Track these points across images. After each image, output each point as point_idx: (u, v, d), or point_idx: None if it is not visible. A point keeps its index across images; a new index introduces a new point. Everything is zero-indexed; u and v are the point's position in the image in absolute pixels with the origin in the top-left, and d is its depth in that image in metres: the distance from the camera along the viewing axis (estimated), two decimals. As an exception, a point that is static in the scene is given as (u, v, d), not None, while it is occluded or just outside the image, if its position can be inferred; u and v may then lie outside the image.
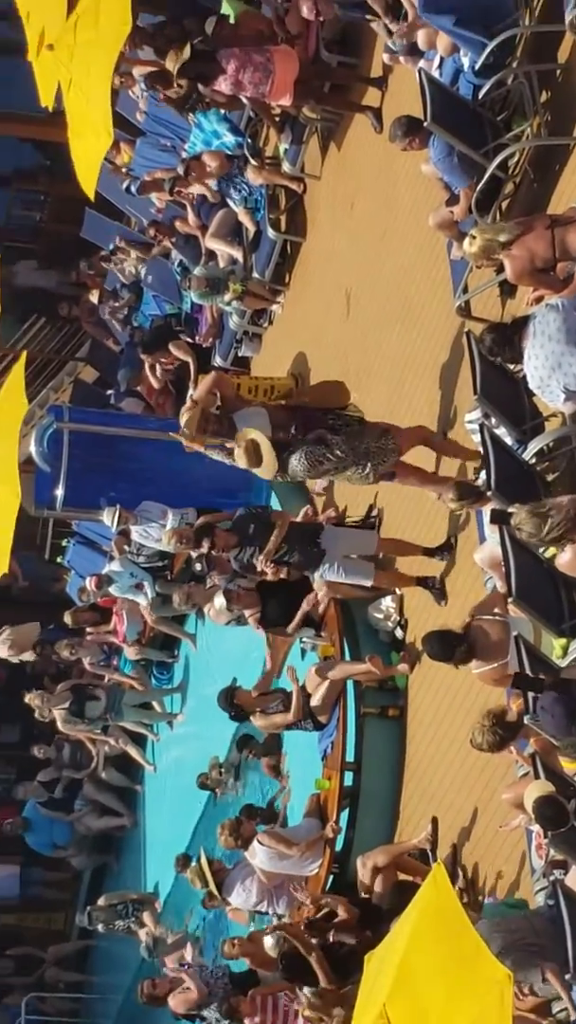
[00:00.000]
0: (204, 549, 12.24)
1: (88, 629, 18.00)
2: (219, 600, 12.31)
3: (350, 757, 11.96)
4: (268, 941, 11.21)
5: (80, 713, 17.40)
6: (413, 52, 12.31)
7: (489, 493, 9.51)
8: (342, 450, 10.97)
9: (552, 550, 8.29)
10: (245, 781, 15.04)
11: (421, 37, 11.88)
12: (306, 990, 10.43)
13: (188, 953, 13.96)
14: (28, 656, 18.79)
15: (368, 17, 12.99)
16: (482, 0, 10.68)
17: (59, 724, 17.80)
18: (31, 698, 17.57)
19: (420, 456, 11.52)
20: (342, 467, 11.06)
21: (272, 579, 12.01)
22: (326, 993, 10.32)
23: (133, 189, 17.42)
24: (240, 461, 11.17)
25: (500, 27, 10.64)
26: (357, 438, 11.05)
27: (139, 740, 18.12)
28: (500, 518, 8.61)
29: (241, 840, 12.21)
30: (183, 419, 11.59)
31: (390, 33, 12.58)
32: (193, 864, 12.82)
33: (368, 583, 11.65)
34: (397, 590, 12.16)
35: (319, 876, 11.90)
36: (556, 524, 7.84)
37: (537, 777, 8.18)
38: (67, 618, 17.67)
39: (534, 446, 9.59)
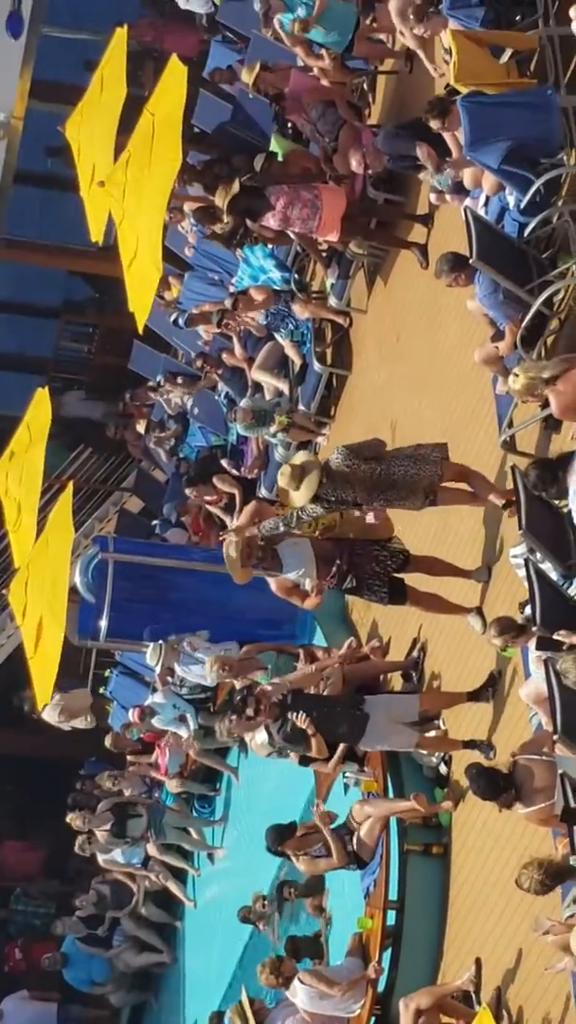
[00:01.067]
0: (249, 712, 12.01)
1: (130, 758, 17.90)
2: (261, 736, 12.21)
3: (393, 896, 11.77)
4: None
5: (122, 833, 17.19)
6: (459, 190, 12.45)
7: (535, 628, 9.45)
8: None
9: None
10: (289, 914, 14.78)
11: (467, 176, 12.02)
12: None
13: None
14: (80, 723, 18.50)
15: (417, 165, 13.13)
16: (527, 140, 10.81)
17: (100, 859, 17.61)
18: (72, 817, 17.37)
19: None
20: None
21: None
22: None
23: (181, 322, 17.59)
24: (282, 479, 11.17)
25: (545, 166, 10.77)
26: None
27: (179, 875, 17.91)
28: (547, 646, 8.56)
29: (282, 979, 12.01)
30: (227, 548, 11.59)
31: (438, 173, 12.72)
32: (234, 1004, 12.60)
33: (412, 749, 11.56)
34: (441, 724, 12.05)
35: (361, 1017, 11.68)
36: None
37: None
38: (108, 740, 17.60)
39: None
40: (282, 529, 11.68)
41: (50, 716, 18.41)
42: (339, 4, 14.35)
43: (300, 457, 11.42)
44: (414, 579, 11.76)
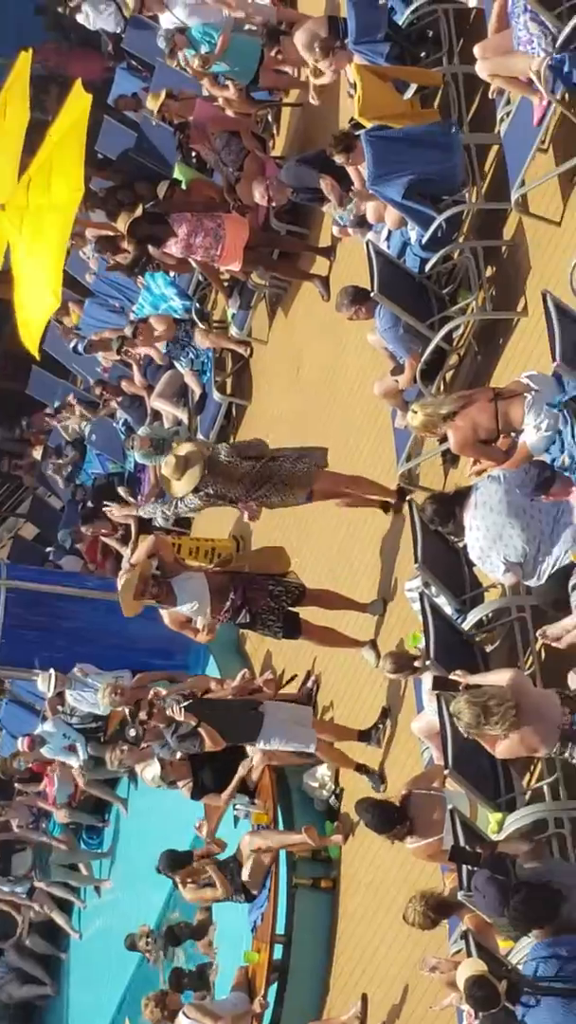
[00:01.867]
0: (143, 716, 12.04)
1: (17, 787, 17.68)
2: (151, 770, 12.12)
3: (280, 930, 11.70)
4: None
5: (6, 871, 17.00)
6: (361, 224, 12.48)
7: (428, 663, 9.45)
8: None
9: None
10: (175, 953, 14.61)
11: (370, 210, 12.06)
12: None
13: None
14: None
15: (320, 198, 13.15)
16: (430, 176, 10.87)
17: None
18: None
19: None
20: None
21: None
22: None
23: (80, 348, 17.50)
24: (165, 468, 11.41)
25: (447, 202, 10.83)
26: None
27: (65, 907, 17.70)
28: (441, 685, 8.56)
29: (167, 1012, 11.89)
30: (121, 582, 11.53)
31: (341, 206, 12.75)
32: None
33: (311, 749, 11.50)
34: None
35: (246, 1053, 11.58)
36: (497, 719, 7.77)
37: (470, 955, 8.00)
38: None
39: (473, 616, 9.58)
40: (159, 519, 12.29)
41: None
42: (242, 39, 14.39)
43: (185, 448, 11.59)
44: (309, 612, 11.74)
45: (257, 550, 13.70)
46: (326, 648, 12.21)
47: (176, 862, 12.29)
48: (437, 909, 8.61)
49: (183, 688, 12.22)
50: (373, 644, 11.66)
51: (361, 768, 11.34)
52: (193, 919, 13.67)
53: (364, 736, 11.48)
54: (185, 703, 11.34)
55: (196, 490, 11.38)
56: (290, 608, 11.51)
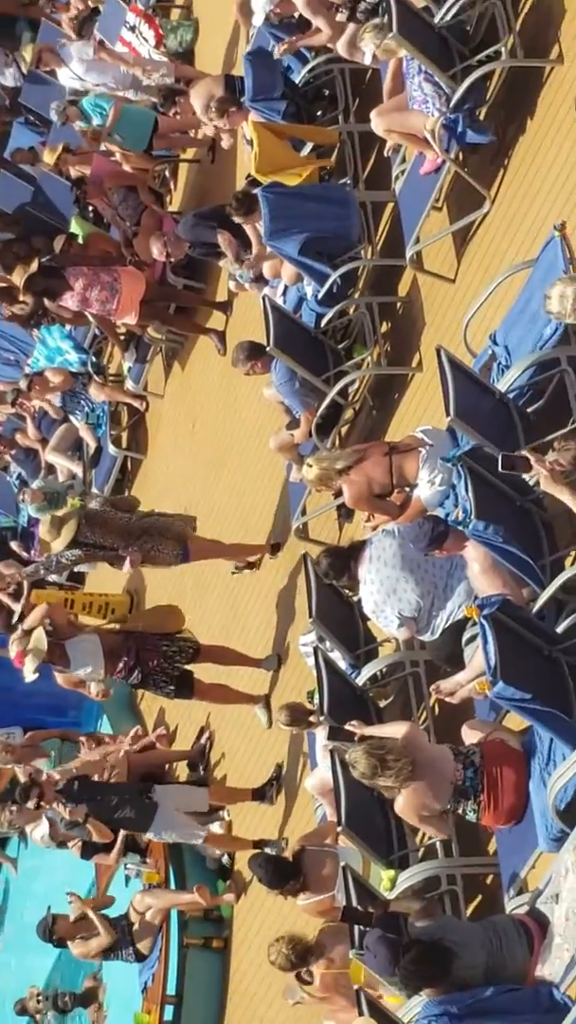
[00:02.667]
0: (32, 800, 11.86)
1: None
2: (41, 830, 11.96)
3: (171, 990, 11.57)
4: None
5: None
6: (258, 279, 12.50)
7: (321, 718, 9.41)
8: None
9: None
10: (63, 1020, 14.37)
11: (266, 266, 12.09)
12: None
13: None
14: None
15: (217, 253, 13.16)
16: (326, 232, 10.92)
17: None
18: None
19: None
20: None
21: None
22: None
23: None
24: (43, 529, 11.64)
25: (343, 259, 10.87)
26: None
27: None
28: (338, 735, 8.56)
29: None
30: (13, 647, 11.46)
31: (237, 261, 12.75)
32: None
33: (199, 841, 11.44)
34: (226, 815, 11.92)
35: None
36: (392, 773, 7.77)
37: (361, 1014, 7.92)
38: None
39: (367, 671, 9.56)
40: (42, 573, 12.59)
41: None
42: (134, 110, 14.41)
43: (61, 510, 11.95)
44: (203, 668, 11.67)
45: (151, 609, 13.65)
46: (220, 705, 12.14)
47: (48, 927, 12.12)
48: (301, 955, 8.61)
49: (70, 770, 12.00)
50: (266, 702, 11.62)
51: (259, 844, 11.24)
52: (80, 987, 13.50)
53: (258, 794, 11.42)
54: (71, 795, 11.22)
55: (75, 543, 11.45)
56: (184, 668, 11.45)
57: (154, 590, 14.80)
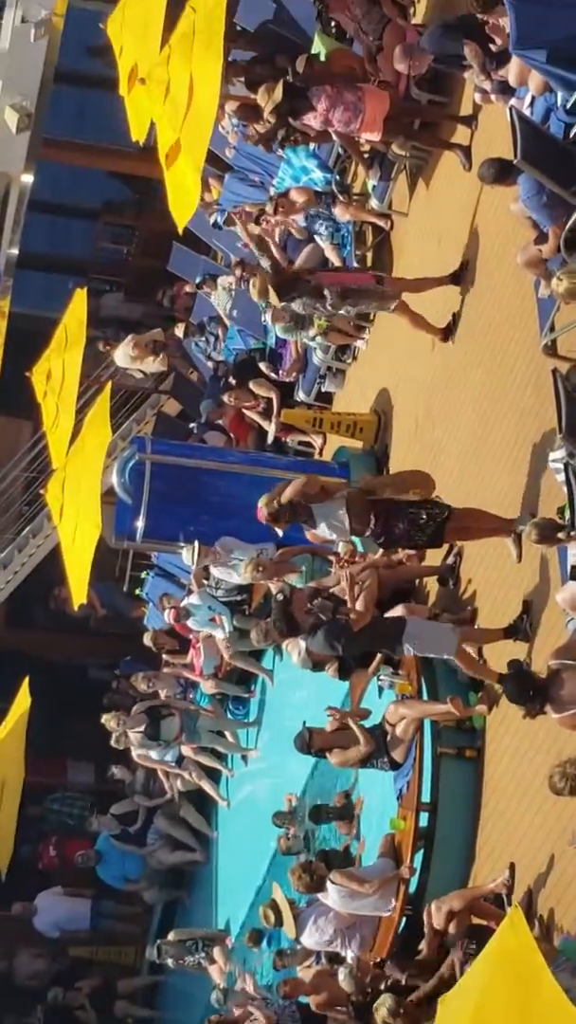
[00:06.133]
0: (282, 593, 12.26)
1: (165, 658, 18.01)
2: (298, 649, 12.22)
3: (426, 798, 11.81)
4: (341, 974, 11.14)
5: (156, 735, 17.35)
6: (504, 90, 12.26)
7: (573, 534, 9.42)
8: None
9: None
10: (315, 846, 14.82)
11: (513, 74, 11.83)
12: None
13: (249, 985, 13.87)
14: (150, 365, 19.34)
15: (463, 65, 12.92)
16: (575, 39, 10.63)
17: (134, 753, 17.78)
18: (107, 719, 17.55)
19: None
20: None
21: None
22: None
23: (220, 221, 17.47)
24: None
25: (595, 65, 10.58)
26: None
27: (214, 776, 18.05)
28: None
29: (314, 879, 12.09)
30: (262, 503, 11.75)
31: (483, 72, 12.51)
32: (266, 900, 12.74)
33: (451, 655, 11.53)
34: (477, 626, 12.05)
35: (392, 918, 11.78)
36: None
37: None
38: (147, 638, 17.76)
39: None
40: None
41: (122, 359, 19.03)
42: None
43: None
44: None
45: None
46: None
47: (305, 739, 12.41)
48: None
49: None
50: (517, 538, 11.57)
51: (510, 631, 11.35)
52: (332, 801, 13.90)
53: (511, 631, 11.40)
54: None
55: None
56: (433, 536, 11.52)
57: (402, 409, 14.89)
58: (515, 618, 11.37)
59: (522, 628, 11.29)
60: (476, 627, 11.91)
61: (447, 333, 13.63)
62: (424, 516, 11.37)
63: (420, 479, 11.90)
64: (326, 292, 13.41)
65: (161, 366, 19.42)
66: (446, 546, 12.68)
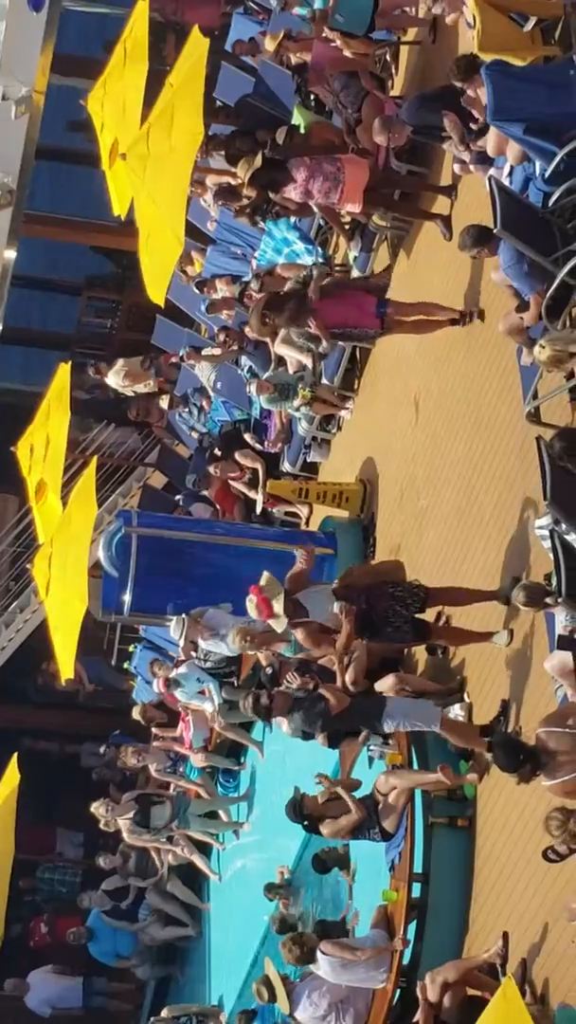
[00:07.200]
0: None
1: (155, 731, 17.94)
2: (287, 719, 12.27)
3: (418, 868, 11.75)
4: None
5: (145, 823, 17.28)
6: (483, 160, 12.38)
7: (560, 600, 9.43)
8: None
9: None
10: (307, 913, 14.74)
11: (491, 144, 11.94)
12: None
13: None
14: (142, 388, 19.77)
15: (442, 136, 13.04)
16: (552, 109, 10.74)
17: (124, 835, 17.68)
18: (96, 807, 17.51)
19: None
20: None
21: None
22: None
23: (203, 307, 17.65)
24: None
25: (570, 135, 10.68)
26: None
27: (204, 849, 17.94)
28: (569, 645, 8.60)
29: (305, 950, 11.99)
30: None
31: (462, 143, 12.62)
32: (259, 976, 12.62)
33: (436, 728, 11.59)
34: (466, 697, 12.04)
35: (386, 990, 11.68)
36: None
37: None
38: (135, 712, 17.68)
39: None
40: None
41: (114, 381, 19.55)
42: (356, -8, 14.28)
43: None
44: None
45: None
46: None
47: (297, 807, 12.38)
48: None
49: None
50: (509, 631, 11.64)
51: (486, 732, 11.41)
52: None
53: (485, 732, 11.49)
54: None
55: None
56: (416, 616, 11.84)
57: (387, 478, 14.92)
58: (492, 719, 11.48)
59: (498, 730, 11.37)
60: (454, 717, 11.95)
61: (463, 317, 13.30)
62: (403, 591, 11.78)
63: (394, 567, 12.34)
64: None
65: (155, 388, 19.68)
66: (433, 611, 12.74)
